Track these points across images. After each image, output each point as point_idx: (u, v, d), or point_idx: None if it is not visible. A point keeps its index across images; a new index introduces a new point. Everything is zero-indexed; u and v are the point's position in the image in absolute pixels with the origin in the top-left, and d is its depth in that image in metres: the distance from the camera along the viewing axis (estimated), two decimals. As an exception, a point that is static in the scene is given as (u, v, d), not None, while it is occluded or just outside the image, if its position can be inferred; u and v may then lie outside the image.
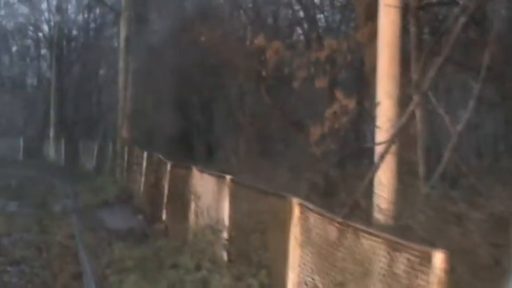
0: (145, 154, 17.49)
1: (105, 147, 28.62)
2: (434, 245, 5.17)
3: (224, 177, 9.33)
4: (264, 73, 15.48)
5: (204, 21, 22.18)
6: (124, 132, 23.48)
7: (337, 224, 5.75)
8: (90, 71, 43.69)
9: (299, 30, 21.65)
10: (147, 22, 25.11)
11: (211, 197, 9.94)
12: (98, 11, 44.58)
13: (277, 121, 19.66)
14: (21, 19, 44.56)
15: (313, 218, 6.23)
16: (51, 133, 37.31)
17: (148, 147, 25.47)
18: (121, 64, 23.87)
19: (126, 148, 21.86)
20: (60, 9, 38.11)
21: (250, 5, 23.46)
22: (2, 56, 47.82)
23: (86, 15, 44.92)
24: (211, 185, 10.03)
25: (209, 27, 20.81)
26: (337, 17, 22.55)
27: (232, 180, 9.00)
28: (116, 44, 45.69)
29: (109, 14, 44.84)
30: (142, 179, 17.68)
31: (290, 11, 23.72)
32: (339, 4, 22.42)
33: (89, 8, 44.41)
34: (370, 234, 5.21)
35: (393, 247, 4.81)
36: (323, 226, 6.00)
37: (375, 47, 10.15)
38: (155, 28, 24.16)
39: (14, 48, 48.14)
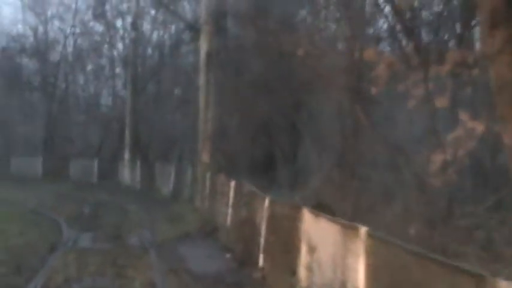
0: (232, 183, 15.41)
1: (183, 171, 26.80)
2: None
3: (355, 228, 7.04)
4: (372, 90, 13.28)
5: (294, 33, 20.15)
6: (205, 156, 21.53)
7: None
8: (165, 90, 42.32)
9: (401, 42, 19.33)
10: (229, 36, 23.28)
11: (332, 250, 7.70)
12: (173, 27, 43.39)
13: (379, 146, 17.37)
14: (96, 37, 43.66)
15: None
16: (126, 155, 35.84)
17: (229, 171, 23.62)
18: (201, 82, 21.98)
19: (208, 174, 19.86)
20: (135, 26, 36.76)
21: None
22: (77, 75, 47.09)
23: (161, 32, 43.74)
24: (332, 234, 7.78)
25: (300, 39, 18.75)
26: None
27: (369, 234, 6.69)
28: (191, 62, 44.67)
29: (185, 30, 43.81)
30: (229, 211, 15.60)
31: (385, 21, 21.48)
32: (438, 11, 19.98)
33: (165, 25, 43.18)
34: None
35: None
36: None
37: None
38: (238, 42, 22.29)
39: (89, 67, 47.38)
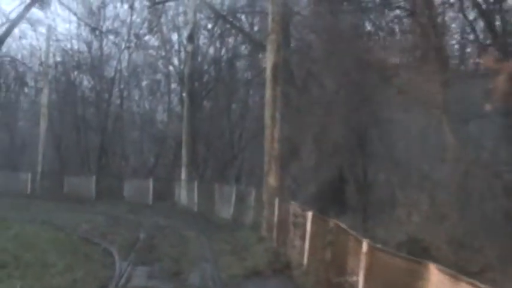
0: (309, 215, 13.17)
1: (245, 193, 24.70)
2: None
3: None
4: (488, 105, 11.00)
5: (372, 41, 17.93)
6: (271, 179, 19.38)
7: None
8: (222, 106, 40.45)
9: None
10: (296, 47, 21.20)
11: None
12: (230, 41, 41.56)
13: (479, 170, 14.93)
14: (151, 51, 42.12)
15: None
16: (183, 174, 33.95)
17: (294, 194, 21.38)
18: (267, 97, 19.85)
19: (276, 200, 17.65)
20: (192, 40, 34.99)
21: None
22: (132, 90, 45.64)
23: (218, 46, 41.93)
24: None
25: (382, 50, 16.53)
26: None
27: None
28: (247, 77, 42.77)
29: (243, 44, 41.95)
30: (306, 246, 13.37)
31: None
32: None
33: (222, 39, 41.38)
34: None
35: None
36: None
37: None
38: (308, 53, 20.17)
39: (144, 83, 45.87)
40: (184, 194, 32.87)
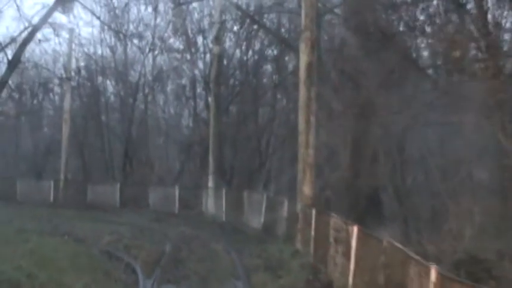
0: (355, 230, 11.68)
1: (276, 202, 23.24)
2: None
3: None
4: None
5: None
6: (306, 188, 17.92)
7: None
8: (249, 111, 39.03)
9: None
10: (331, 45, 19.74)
11: None
12: (257, 43, 40.13)
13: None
14: (176, 54, 40.82)
15: None
16: (210, 182, 32.55)
17: (328, 204, 19.93)
18: (301, 100, 18.39)
19: (312, 211, 16.17)
20: (218, 41, 33.64)
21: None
22: (157, 95, 44.42)
23: (244, 48, 40.53)
24: None
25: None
26: None
27: None
28: (274, 80, 41.29)
29: (269, 46, 40.51)
30: (351, 266, 11.88)
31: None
32: None
33: (248, 41, 39.98)
34: None
35: None
36: None
37: None
38: (344, 53, 18.71)
39: (169, 88, 44.61)
40: (212, 202, 31.50)
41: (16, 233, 22.19)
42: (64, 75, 41.32)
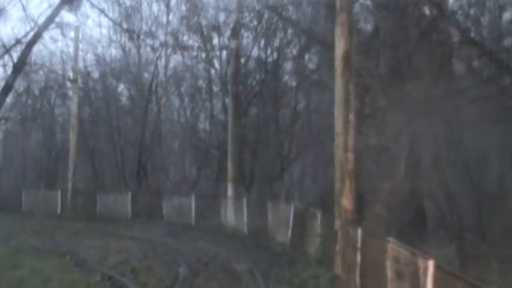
0: (429, 267, 8.68)
1: (306, 215, 20.28)
2: None
3: None
4: None
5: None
6: (346, 201, 14.95)
7: None
8: (269, 112, 36.11)
9: None
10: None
11: None
12: (276, 40, 37.18)
13: None
14: (191, 52, 37.94)
15: None
16: (230, 190, 29.65)
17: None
18: (338, 95, 15.42)
19: (358, 231, 13.17)
20: (235, 35, 30.76)
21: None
22: (171, 97, 41.60)
23: (262, 46, 37.63)
24: None
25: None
26: None
27: None
28: (295, 79, 38.41)
29: (289, 44, 37.67)
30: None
31: None
32: None
33: (266, 38, 37.06)
34: None
35: None
36: None
37: None
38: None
39: (184, 89, 41.74)
40: (232, 212, 28.59)
41: (10, 254, 19.53)
42: (71, 77, 38.53)
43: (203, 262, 19.27)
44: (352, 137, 15.07)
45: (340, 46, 15.30)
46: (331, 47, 16.60)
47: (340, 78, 15.32)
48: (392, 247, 10.45)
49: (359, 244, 12.82)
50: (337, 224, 15.19)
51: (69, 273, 16.19)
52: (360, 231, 12.87)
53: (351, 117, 15.10)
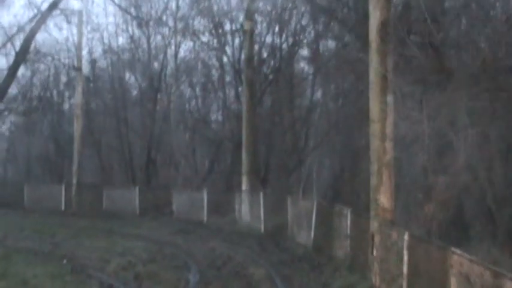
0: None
1: (331, 213, 18.03)
2: None
3: None
4: None
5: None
6: (384, 198, 12.71)
7: None
8: (285, 101, 33.86)
9: None
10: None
11: None
12: (292, 24, 34.87)
13: None
14: (202, 37, 35.67)
15: None
16: (244, 184, 27.44)
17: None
18: (372, 75, 13.17)
19: (405, 236, 10.90)
20: (249, 16, 28.53)
21: None
22: (182, 87, 39.39)
23: (276, 31, 35.33)
24: None
25: None
26: None
27: None
28: (307, 70, 36.25)
29: (305, 29, 35.49)
30: None
31: None
32: None
33: (281, 23, 34.74)
34: None
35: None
36: None
37: None
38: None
39: (195, 78, 39.52)
40: (247, 208, 26.43)
41: (1, 258, 17.44)
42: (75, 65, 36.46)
43: (216, 266, 17.18)
44: (391, 123, 12.84)
45: (375, 16, 13.04)
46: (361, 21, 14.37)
47: (375, 54, 13.06)
48: (460, 261, 8.19)
49: (405, 251, 10.57)
50: (374, 225, 12.96)
51: (62, 281, 14.05)
52: (407, 235, 10.62)
53: (389, 99, 12.86)
